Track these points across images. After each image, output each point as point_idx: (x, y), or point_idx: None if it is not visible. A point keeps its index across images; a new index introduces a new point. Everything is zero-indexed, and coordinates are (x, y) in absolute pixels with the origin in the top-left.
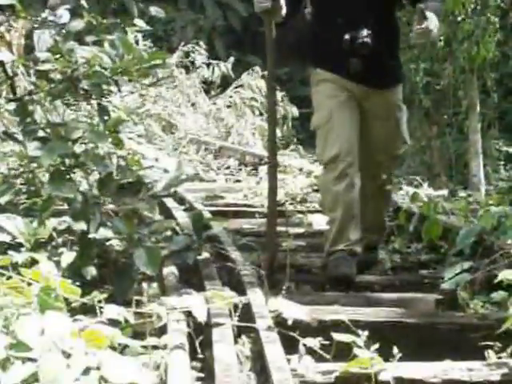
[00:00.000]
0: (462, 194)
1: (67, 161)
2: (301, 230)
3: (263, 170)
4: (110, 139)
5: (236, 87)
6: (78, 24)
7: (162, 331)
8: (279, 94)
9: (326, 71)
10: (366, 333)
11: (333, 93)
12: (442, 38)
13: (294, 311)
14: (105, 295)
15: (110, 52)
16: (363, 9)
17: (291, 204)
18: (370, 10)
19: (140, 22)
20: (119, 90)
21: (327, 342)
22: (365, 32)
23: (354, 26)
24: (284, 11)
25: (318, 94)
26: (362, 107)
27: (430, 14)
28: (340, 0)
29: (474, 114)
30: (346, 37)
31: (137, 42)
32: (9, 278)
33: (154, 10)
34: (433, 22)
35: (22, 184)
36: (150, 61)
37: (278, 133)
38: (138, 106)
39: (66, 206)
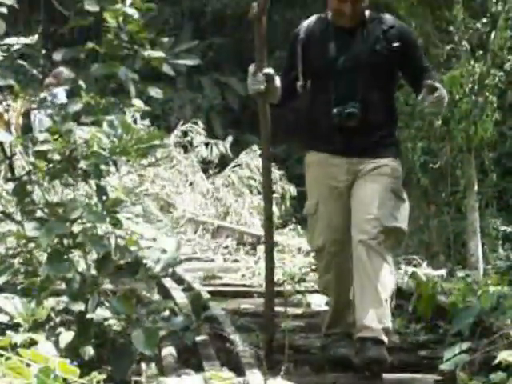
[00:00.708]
0: (461, 273)
1: (65, 241)
2: (299, 311)
3: (261, 249)
4: (108, 219)
5: (234, 166)
6: (77, 104)
7: None
8: (278, 173)
9: (316, 152)
10: None
11: (321, 178)
12: (439, 117)
13: None
14: (103, 375)
15: (108, 132)
16: (353, 83)
17: (290, 284)
18: (360, 85)
19: (138, 102)
20: (117, 170)
21: None
22: (352, 104)
23: (343, 100)
24: (279, 93)
25: (308, 179)
26: (354, 178)
27: (438, 84)
28: (330, 75)
29: (472, 193)
30: (334, 111)
31: (135, 121)
32: (8, 358)
33: (152, 91)
34: (443, 91)
35: (19, 264)
36: (149, 141)
37: (277, 212)
38: (136, 186)
39: (63, 286)
